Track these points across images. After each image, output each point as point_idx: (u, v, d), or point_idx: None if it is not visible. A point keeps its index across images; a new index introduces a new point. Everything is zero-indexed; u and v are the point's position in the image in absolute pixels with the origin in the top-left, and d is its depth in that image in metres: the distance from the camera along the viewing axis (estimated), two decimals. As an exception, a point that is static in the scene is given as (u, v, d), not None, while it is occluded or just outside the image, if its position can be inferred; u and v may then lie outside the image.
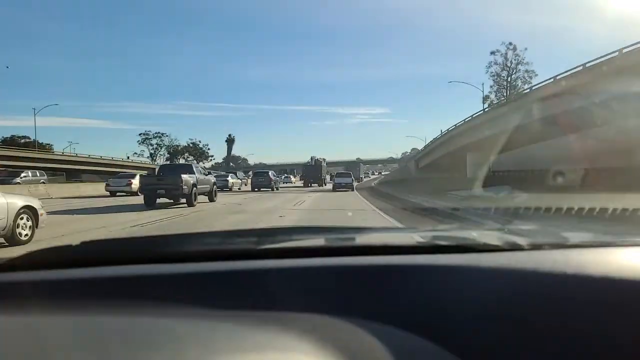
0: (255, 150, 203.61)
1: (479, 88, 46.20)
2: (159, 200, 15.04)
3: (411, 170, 52.80)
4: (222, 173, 35.87)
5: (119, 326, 0.63)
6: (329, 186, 35.55)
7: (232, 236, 1.24)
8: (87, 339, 0.60)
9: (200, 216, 11.95)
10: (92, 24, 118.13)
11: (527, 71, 49.50)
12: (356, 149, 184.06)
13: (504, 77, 50.35)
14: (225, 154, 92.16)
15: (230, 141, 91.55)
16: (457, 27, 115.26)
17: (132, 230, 8.92)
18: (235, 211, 13.37)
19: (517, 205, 9.59)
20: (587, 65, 18.77)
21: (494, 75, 50.59)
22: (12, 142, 56.54)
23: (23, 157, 43.52)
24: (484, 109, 37.97)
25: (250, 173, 43.33)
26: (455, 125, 36.18)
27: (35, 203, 7.46)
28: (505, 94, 49.27)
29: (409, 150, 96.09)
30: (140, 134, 76.95)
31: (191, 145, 77.29)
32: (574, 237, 1.02)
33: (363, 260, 0.83)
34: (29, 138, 57.96)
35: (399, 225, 9.38)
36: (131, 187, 22.03)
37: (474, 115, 33.37)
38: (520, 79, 49.81)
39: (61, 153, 56.88)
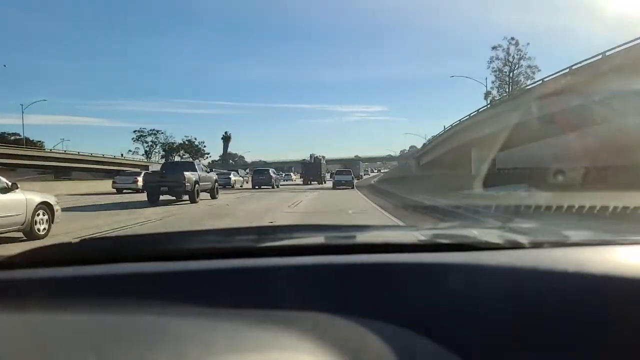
0: (252, 148, 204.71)
1: (482, 83, 46.57)
2: (162, 198, 15.56)
3: (412, 167, 52.98)
4: (225, 171, 36.81)
5: (118, 324, 0.65)
6: (329, 184, 35.93)
7: (232, 234, 1.26)
8: (87, 337, 0.61)
9: (169, 222, 10.40)
10: (90, 24, 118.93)
11: (529, 66, 49.39)
12: (354, 146, 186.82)
13: (506, 72, 50.37)
14: (221, 151, 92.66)
15: (226, 139, 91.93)
16: (455, 27, 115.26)
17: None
18: (219, 215, 11.95)
19: (546, 203, 8.35)
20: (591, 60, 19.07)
21: (495, 71, 50.63)
22: (2, 139, 56.64)
23: (10, 154, 43.17)
24: (489, 104, 38.09)
25: (248, 170, 43.84)
26: (460, 120, 36.05)
27: (51, 199, 7.94)
28: (507, 90, 49.42)
29: (407, 148, 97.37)
30: (134, 131, 77.44)
31: (187, 142, 77.78)
32: (575, 235, 1.03)
33: (364, 258, 0.85)
34: (19, 135, 58.03)
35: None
36: (137, 185, 22.94)
37: (480, 110, 33.29)
38: (523, 75, 49.82)
39: (49, 150, 56.67)
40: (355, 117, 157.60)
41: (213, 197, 17.83)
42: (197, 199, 15.66)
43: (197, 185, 15.65)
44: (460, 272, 0.78)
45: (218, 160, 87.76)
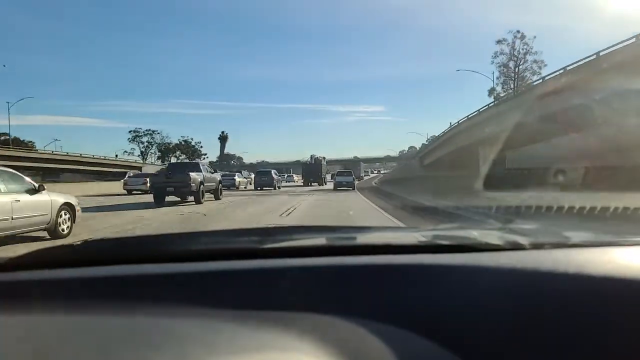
0: (251, 148, 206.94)
1: (488, 77, 46.53)
2: (168, 198, 16.36)
3: (415, 167, 53.02)
4: (228, 172, 38.45)
5: (120, 326, 0.67)
6: (329, 185, 36.71)
7: (234, 235, 1.31)
8: (89, 338, 0.63)
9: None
10: (87, 23, 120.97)
11: (535, 61, 49.22)
12: (354, 147, 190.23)
13: (511, 68, 50.32)
14: (219, 152, 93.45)
15: (223, 139, 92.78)
16: (455, 26, 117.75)
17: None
18: (188, 229, 9.25)
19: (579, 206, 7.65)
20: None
21: (500, 66, 50.44)
22: (-12, 138, 57.21)
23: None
24: (495, 101, 37.41)
25: (245, 171, 44.83)
26: (467, 116, 35.40)
27: (73, 200, 8.71)
28: (513, 86, 49.48)
29: (407, 149, 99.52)
30: (130, 132, 78.34)
31: (183, 143, 78.74)
32: (575, 236, 1.05)
33: (364, 260, 0.87)
34: (8, 135, 58.18)
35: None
36: (147, 186, 23.98)
37: (489, 105, 32.44)
38: (529, 70, 49.81)
39: (35, 150, 56.91)
40: (354, 118, 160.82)
41: (217, 197, 18.68)
42: (203, 200, 16.47)
43: (202, 186, 16.47)
44: (460, 274, 0.80)
45: (216, 161, 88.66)
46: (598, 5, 61.22)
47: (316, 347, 0.61)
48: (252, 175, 37.08)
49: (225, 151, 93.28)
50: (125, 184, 27.29)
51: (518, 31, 48.70)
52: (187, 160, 60.78)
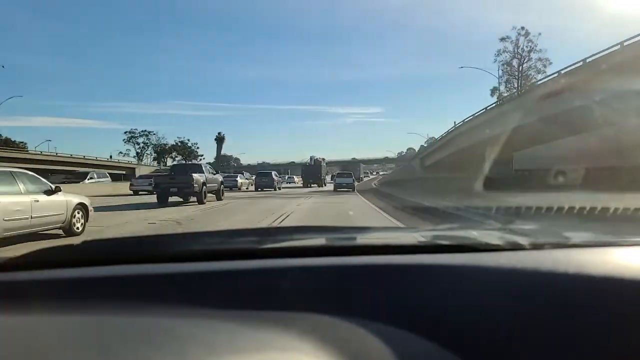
0: (251, 149, 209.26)
1: (493, 74, 46.09)
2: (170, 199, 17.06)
3: (416, 169, 52.97)
4: (232, 173, 39.89)
5: (120, 326, 0.69)
6: (329, 187, 37.41)
7: (233, 235, 1.34)
8: (88, 338, 0.65)
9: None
10: (82, 23, 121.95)
11: (540, 59, 48.94)
12: (352, 149, 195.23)
13: (514, 66, 50.17)
14: (215, 153, 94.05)
15: (220, 139, 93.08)
16: (454, 27, 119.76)
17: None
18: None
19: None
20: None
21: (503, 64, 50.14)
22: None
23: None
24: (502, 98, 36.99)
25: (247, 173, 45.75)
26: (474, 114, 34.67)
27: (86, 201, 9.35)
28: (517, 85, 49.45)
29: (405, 151, 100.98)
30: (125, 132, 78.72)
31: (179, 144, 79.38)
32: (575, 236, 1.08)
33: (364, 260, 0.89)
34: (1, 136, 58.93)
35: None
36: (152, 187, 24.96)
37: (499, 102, 31.52)
38: (533, 68, 49.61)
39: (25, 151, 57.06)
40: (353, 119, 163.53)
41: (218, 198, 19.37)
42: (205, 200, 17.17)
43: (204, 187, 17.19)
44: (460, 274, 0.82)
45: (213, 162, 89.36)
46: (599, 5, 61.74)
47: (316, 347, 0.62)
48: (254, 177, 37.99)
49: (223, 152, 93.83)
50: (131, 184, 29.11)
51: (522, 28, 48.52)
52: (184, 162, 61.36)
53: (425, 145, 60.90)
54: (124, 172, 62.37)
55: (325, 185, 43.55)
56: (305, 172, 46.59)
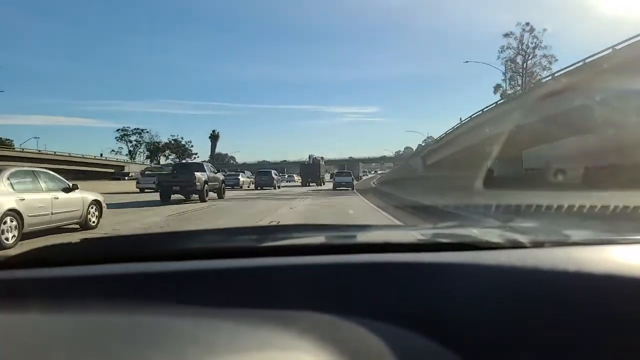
0: (250, 149, 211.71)
1: (498, 68, 46.52)
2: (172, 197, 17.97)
3: (417, 168, 52.59)
4: (234, 172, 41.44)
5: (119, 324, 0.71)
6: (328, 185, 38.34)
7: (233, 234, 1.41)
8: (87, 337, 0.66)
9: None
10: (78, 22, 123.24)
11: (545, 56, 49.36)
12: (349, 148, 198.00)
13: (519, 63, 50.75)
14: (210, 152, 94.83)
15: (214, 137, 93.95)
16: (453, 26, 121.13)
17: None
18: None
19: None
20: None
21: (507, 61, 50.58)
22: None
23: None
24: (505, 95, 37.28)
25: (249, 172, 46.87)
26: (482, 110, 34.34)
27: (100, 197, 10.22)
28: (521, 82, 50.16)
29: (402, 150, 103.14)
30: (117, 130, 79.53)
31: (173, 142, 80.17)
32: (575, 234, 1.11)
33: (364, 258, 0.92)
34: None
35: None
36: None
37: (509, 96, 31.48)
38: (538, 65, 50.14)
39: (12, 148, 57.32)
40: (349, 118, 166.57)
41: (220, 196, 20.26)
42: (207, 198, 18.13)
43: (206, 186, 18.14)
44: (460, 272, 0.84)
45: (208, 160, 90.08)
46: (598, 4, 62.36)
47: (316, 346, 0.64)
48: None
49: (218, 151, 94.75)
50: (138, 182, 31.34)
51: (527, 24, 48.97)
52: (177, 160, 61.94)
53: (423, 145, 61.70)
54: (112, 171, 63.07)
55: (324, 184, 44.44)
56: (304, 171, 47.59)
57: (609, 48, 19.62)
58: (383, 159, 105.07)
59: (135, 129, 79.24)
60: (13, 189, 7.90)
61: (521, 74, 51.55)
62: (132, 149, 79.89)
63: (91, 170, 57.39)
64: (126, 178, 37.26)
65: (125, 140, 79.37)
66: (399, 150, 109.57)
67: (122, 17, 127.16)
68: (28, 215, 7.93)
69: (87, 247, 1.13)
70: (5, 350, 0.59)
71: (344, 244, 1.16)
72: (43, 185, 8.70)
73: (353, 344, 0.67)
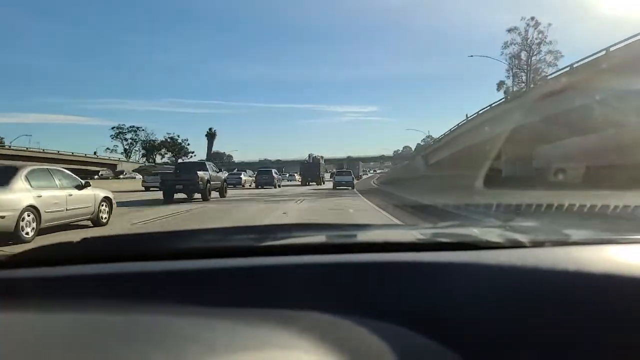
0: (249, 148, 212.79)
1: (503, 61, 46.34)
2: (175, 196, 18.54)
3: (419, 167, 53.13)
4: (236, 171, 42.59)
5: (118, 323, 0.72)
6: (328, 184, 38.95)
7: (233, 233, 1.43)
8: (87, 336, 0.67)
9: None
10: (76, 21, 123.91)
11: (550, 52, 49.02)
12: (348, 147, 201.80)
13: (523, 59, 50.61)
14: (207, 150, 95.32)
15: (210, 136, 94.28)
16: (453, 26, 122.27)
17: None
18: None
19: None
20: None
21: (510, 57, 50.32)
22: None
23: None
24: (509, 93, 37.37)
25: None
26: (490, 105, 34.13)
27: (110, 195, 10.83)
28: (525, 79, 50.25)
29: (401, 149, 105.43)
30: (112, 128, 79.52)
31: (169, 140, 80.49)
32: (575, 234, 1.12)
33: (364, 257, 0.94)
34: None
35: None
36: None
37: (503, 100, 31.01)
38: (543, 62, 49.95)
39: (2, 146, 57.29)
40: (348, 118, 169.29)
41: (222, 195, 20.89)
42: (209, 197, 18.76)
43: (208, 184, 18.77)
44: (460, 271, 0.86)
45: (205, 159, 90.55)
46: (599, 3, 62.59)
47: (316, 345, 0.65)
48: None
49: (215, 149, 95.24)
50: (143, 181, 33.33)
51: (532, 18, 48.65)
52: (174, 159, 62.44)
53: (422, 144, 62.31)
54: (104, 169, 63.44)
55: (323, 183, 44.91)
56: (304, 170, 48.20)
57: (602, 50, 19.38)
58: (382, 158, 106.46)
59: (130, 126, 79.84)
60: (31, 186, 8.46)
61: (525, 71, 51.57)
62: (127, 147, 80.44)
63: (80, 169, 57.26)
64: (121, 177, 37.91)
65: (120, 138, 79.86)
66: (398, 150, 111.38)
67: (122, 17, 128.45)
68: (45, 211, 8.48)
69: (86, 246, 1.15)
70: (5, 349, 0.61)
71: (344, 243, 1.20)
72: (58, 182, 9.28)
73: (353, 343, 0.69)
